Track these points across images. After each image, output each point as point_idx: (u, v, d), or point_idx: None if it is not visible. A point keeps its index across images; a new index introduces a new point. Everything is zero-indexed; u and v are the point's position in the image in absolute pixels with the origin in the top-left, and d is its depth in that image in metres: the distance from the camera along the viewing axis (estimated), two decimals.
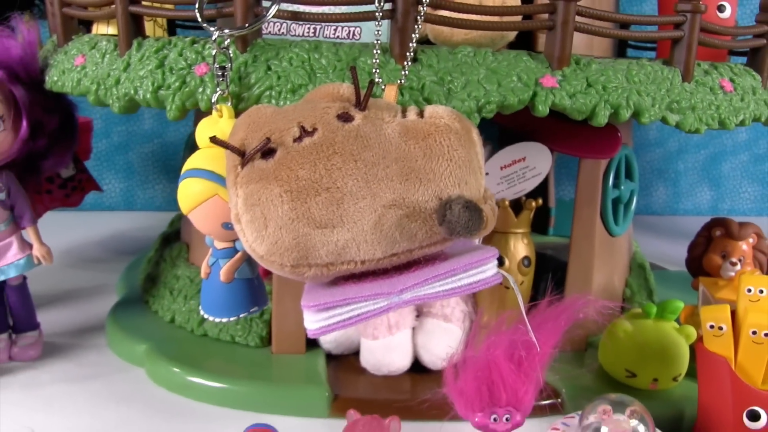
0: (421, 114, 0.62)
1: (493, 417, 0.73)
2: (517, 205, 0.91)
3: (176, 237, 1.15)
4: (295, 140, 0.59)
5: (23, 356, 0.97)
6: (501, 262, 0.89)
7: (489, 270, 0.60)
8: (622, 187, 0.99)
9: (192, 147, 0.99)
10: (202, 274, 0.72)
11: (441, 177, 0.59)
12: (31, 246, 0.95)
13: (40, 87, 0.90)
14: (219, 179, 0.65)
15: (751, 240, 1.03)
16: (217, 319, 0.72)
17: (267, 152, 0.59)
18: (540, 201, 0.91)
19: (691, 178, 1.81)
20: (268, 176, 0.58)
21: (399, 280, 0.60)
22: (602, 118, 0.71)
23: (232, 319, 0.72)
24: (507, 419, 0.73)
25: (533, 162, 0.87)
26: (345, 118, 0.60)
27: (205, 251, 0.97)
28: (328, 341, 0.92)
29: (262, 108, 0.63)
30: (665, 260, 1.37)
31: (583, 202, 0.91)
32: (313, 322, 0.61)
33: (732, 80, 0.83)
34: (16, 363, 0.97)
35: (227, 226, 0.67)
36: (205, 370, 0.89)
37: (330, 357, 0.93)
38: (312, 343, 0.93)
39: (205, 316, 0.73)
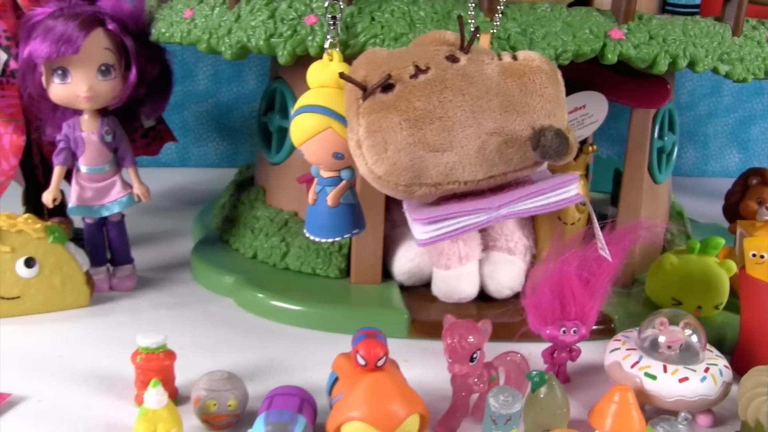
0: (514, 58, 0.73)
1: (562, 329, 0.85)
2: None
3: (249, 183, 1.27)
4: (411, 77, 0.71)
5: (121, 286, 1.10)
6: None
7: (572, 190, 0.72)
8: (666, 138, 1.11)
9: (269, 97, 1.11)
10: (310, 201, 0.84)
11: (534, 110, 0.71)
12: (131, 185, 1.07)
13: (146, 39, 1.02)
14: (332, 113, 0.77)
15: None
16: (323, 240, 0.84)
17: (386, 87, 0.71)
18: (596, 147, 1.03)
19: (720, 141, 1.92)
20: (388, 107, 0.70)
21: (496, 198, 0.72)
22: (663, 66, 0.83)
23: (336, 239, 0.84)
24: (574, 332, 0.85)
25: (592, 110, 0.98)
26: (452, 59, 0.72)
27: (281, 194, 1.11)
28: (401, 273, 1.05)
29: (378, 51, 0.74)
30: (696, 216, 1.49)
31: (633, 147, 1.03)
32: (423, 233, 0.73)
33: None
34: (115, 292, 1.09)
35: (337, 155, 0.78)
36: (289, 296, 1.02)
37: (403, 288, 1.05)
38: (386, 276, 1.06)
39: (312, 238, 0.85)
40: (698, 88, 1.87)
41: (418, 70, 0.71)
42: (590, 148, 1.02)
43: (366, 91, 0.71)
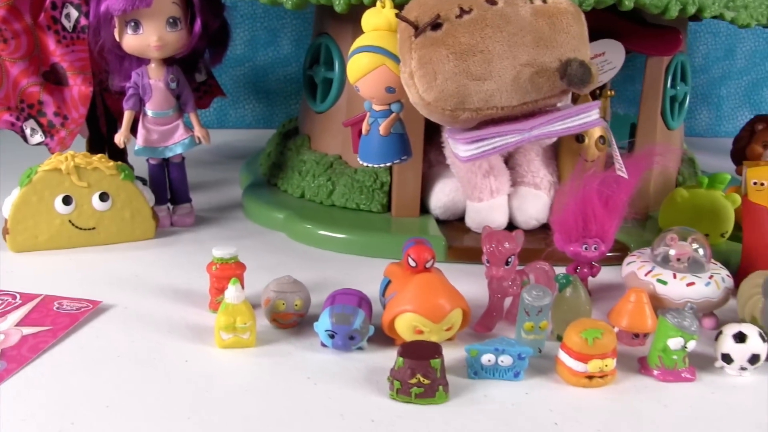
0: (545, 1, 0.87)
1: (584, 246, 0.99)
2: (593, 94, 1.17)
3: (294, 133, 1.42)
4: (456, 17, 0.85)
5: (182, 222, 1.25)
6: (581, 140, 1.15)
7: (594, 115, 0.86)
8: (678, 88, 1.25)
9: (314, 52, 1.25)
10: (364, 132, 0.98)
11: (561, 45, 0.85)
12: (191, 129, 1.21)
13: None
14: (385, 52, 0.91)
15: None
16: (376, 165, 0.98)
17: (435, 26, 0.85)
18: (614, 92, 1.17)
19: (732, 103, 2.06)
20: (437, 42, 0.84)
21: (528, 122, 0.86)
22: (674, 12, 0.97)
23: (388, 164, 0.98)
24: (595, 248, 0.99)
25: (610, 57, 1.12)
26: (492, 2, 0.86)
27: (325, 141, 1.25)
28: (437, 207, 1.20)
29: None
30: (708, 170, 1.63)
31: (648, 93, 1.17)
32: (465, 151, 0.87)
33: None
34: (177, 228, 1.24)
35: (390, 90, 0.92)
36: (336, 226, 1.16)
37: (438, 222, 1.20)
38: (424, 210, 1.20)
39: (365, 164, 0.99)
40: (712, 52, 2.00)
41: (463, 11, 0.85)
42: (609, 92, 1.16)
43: (418, 29, 0.85)
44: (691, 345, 0.83)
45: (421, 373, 0.77)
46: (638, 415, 0.78)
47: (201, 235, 1.22)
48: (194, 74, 1.29)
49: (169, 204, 1.26)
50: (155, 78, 1.18)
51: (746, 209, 1.06)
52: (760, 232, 1.04)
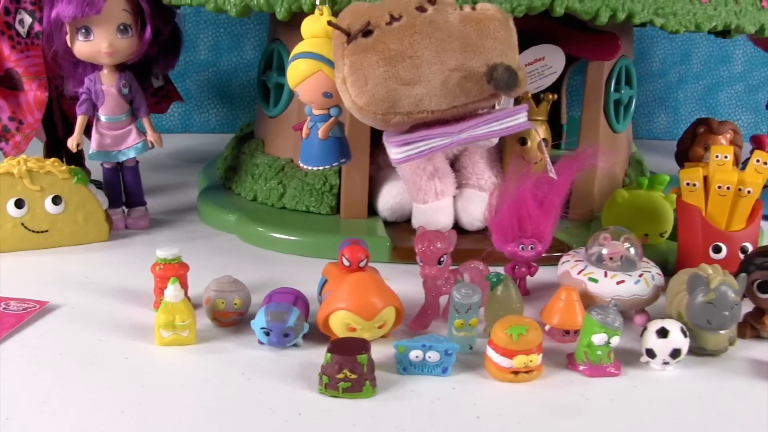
0: (473, 8, 0.91)
1: (521, 246, 1.03)
2: (537, 98, 1.21)
3: (250, 137, 1.45)
4: (387, 24, 0.88)
5: (136, 225, 1.27)
6: (524, 142, 1.19)
7: (521, 118, 0.90)
8: (622, 92, 1.29)
9: (267, 57, 1.28)
10: (303, 135, 1.01)
11: (489, 50, 0.88)
12: (145, 134, 1.24)
13: (159, 1, 1.20)
14: (322, 58, 0.94)
15: (728, 135, 1.33)
16: (314, 168, 1.01)
17: (366, 33, 0.88)
18: (555, 96, 1.20)
19: (689, 107, 2.11)
20: (368, 48, 0.88)
21: (457, 126, 0.90)
22: (604, 18, 1.00)
23: (326, 167, 1.01)
24: (531, 248, 1.03)
25: (550, 61, 1.16)
26: (421, 9, 0.89)
27: (278, 144, 1.28)
28: (385, 209, 1.23)
29: (360, 3, 0.92)
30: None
31: (590, 97, 1.21)
32: (396, 153, 0.91)
33: None
34: (131, 231, 1.27)
35: (327, 95, 0.96)
36: (286, 228, 1.19)
37: (386, 223, 1.23)
38: (372, 212, 1.24)
39: (305, 167, 1.02)
40: (669, 57, 2.05)
41: (393, 18, 0.89)
42: (551, 96, 1.20)
43: (350, 36, 0.89)
44: (615, 341, 0.86)
45: (348, 368, 0.80)
46: (559, 408, 0.81)
47: (154, 237, 1.25)
48: (150, 79, 1.32)
49: (124, 207, 1.29)
50: (107, 84, 1.20)
51: (680, 209, 1.09)
52: (693, 231, 1.07)
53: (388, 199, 1.22)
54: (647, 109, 2.08)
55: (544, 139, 1.20)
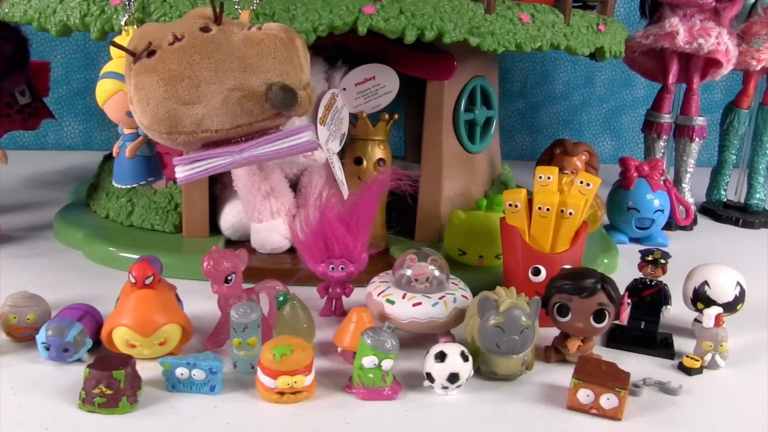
0: (259, 27, 0.93)
1: (331, 266, 1.04)
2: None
3: None
4: (169, 44, 0.91)
5: None
6: (359, 162, 1.21)
7: (304, 137, 0.92)
8: (477, 112, 1.31)
9: None
10: (114, 154, 1.04)
11: (268, 69, 0.90)
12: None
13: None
14: (123, 78, 0.97)
15: (583, 157, 1.34)
16: (123, 186, 1.04)
17: (150, 53, 0.91)
18: (396, 116, 1.22)
19: (594, 129, 2.12)
20: (149, 69, 0.90)
21: (239, 145, 0.92)
22: (411, 37, 1.02)
23: (134, 185, 1.03)
24: (342, 269, 1.04)
25: (383, 81, 1.18)
26: (205, 29, 0.92)
27: None
28: (227, 228, 1.25)
29: (151, 24, 0.95)
30: None
31: (431, 116, 1.23)
32: (180, 173, 0.93)
33: (532, 15, 1.13)
34: None
35: (130, 114, 0.98)
36: (128, 246, 1.21)
37: (230, 242, 1.25)
38: (215, 230, 1.26)
39: (116, 185, 1.04)
40: (573, 79, 2.07)
41: (176, 39, 0.91)
42: (386, 116, 1.21)
43: (135, 57, 0.91)
44: (386, 364, 0.86)
45: (104, 384, 0.81)
46: (315, 431, 0.82)
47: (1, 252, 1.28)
48: (15, 96, 1.35)
49: None
50: None
51: (504, 230, 1.10)
52: (514, 253, 1.08)
53: (229, 218, 1.24)
54: (551, 131, 2.10)
55: (381, 159, 1.22)
